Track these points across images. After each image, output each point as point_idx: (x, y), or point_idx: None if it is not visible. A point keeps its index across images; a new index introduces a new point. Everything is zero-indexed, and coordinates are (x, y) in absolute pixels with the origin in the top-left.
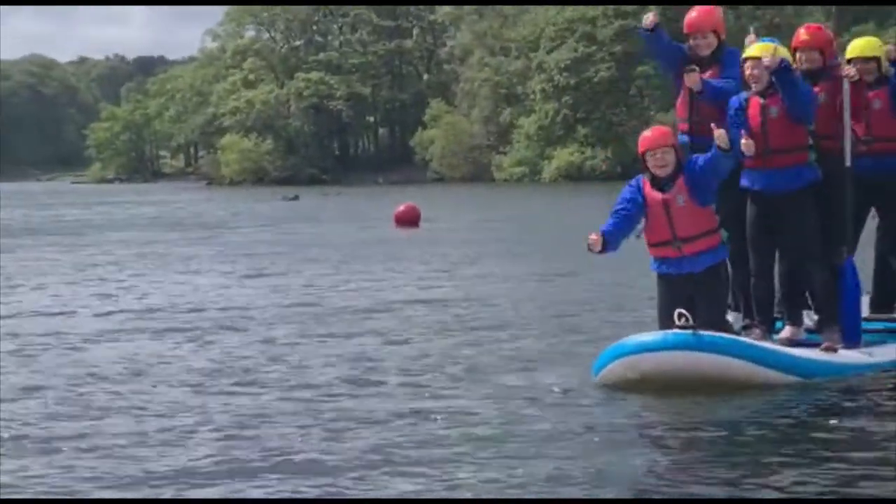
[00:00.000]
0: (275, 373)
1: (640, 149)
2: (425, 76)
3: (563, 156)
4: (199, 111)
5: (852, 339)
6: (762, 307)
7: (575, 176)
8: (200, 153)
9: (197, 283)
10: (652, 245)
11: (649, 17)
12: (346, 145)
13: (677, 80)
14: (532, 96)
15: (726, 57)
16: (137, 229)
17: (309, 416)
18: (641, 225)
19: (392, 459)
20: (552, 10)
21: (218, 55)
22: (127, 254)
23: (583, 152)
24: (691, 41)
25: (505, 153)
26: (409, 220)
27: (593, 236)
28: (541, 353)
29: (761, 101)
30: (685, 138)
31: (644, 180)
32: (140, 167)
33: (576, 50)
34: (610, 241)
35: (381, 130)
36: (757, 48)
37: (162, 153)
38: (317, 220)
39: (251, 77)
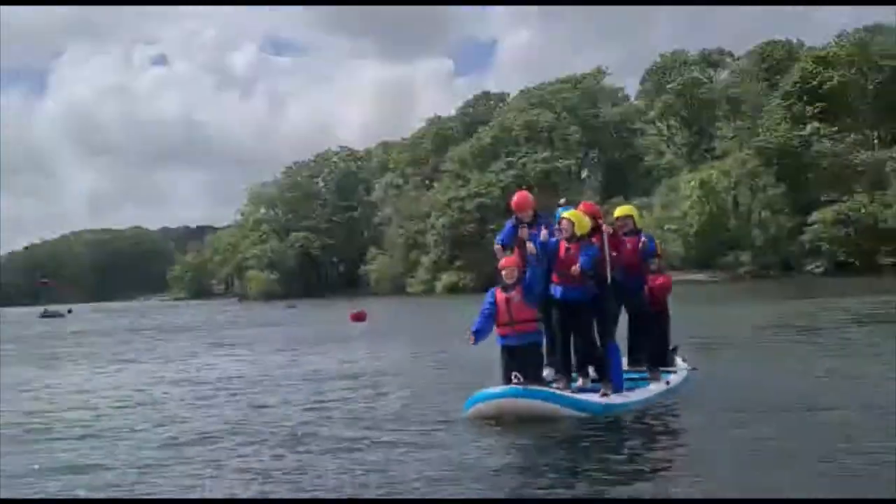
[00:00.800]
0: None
1: (499, 266)
2: (365, 233)
3: (447, 278)
4: (234, 257)
5: (619, 388)
6: (563, 369)
7: (456, 290)
8: (235, 281)
9: (251, 357)
10: (498, 325)
11: (469, 339)
12: (320, 275)
13: (509, 236)
14: (428, 244)
15: (540, 219)
16: (205, 328)
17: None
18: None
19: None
20: (440, 192)
21: (244, 223)
22: (203, 342)
23: (459, 276)
24: (518, 214)
25: (413, 277)
26: (360, 317)
27: (468, 335)
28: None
29: (566, 244)
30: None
31: (497, 289)
32: (200, 291)
33: (452, 218)
34: (479, 335)
35: (340, 266)
36: (566, 214)
37: (213, 282)
38: (307, 319)
39: (263, 236)
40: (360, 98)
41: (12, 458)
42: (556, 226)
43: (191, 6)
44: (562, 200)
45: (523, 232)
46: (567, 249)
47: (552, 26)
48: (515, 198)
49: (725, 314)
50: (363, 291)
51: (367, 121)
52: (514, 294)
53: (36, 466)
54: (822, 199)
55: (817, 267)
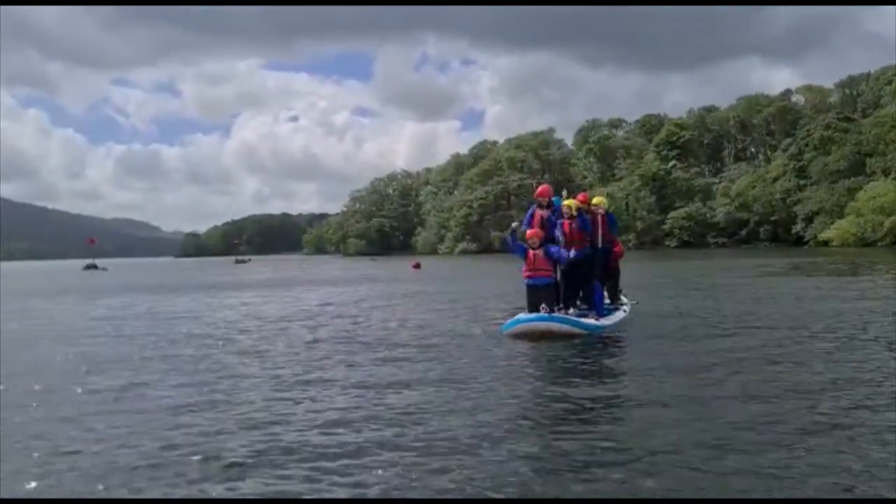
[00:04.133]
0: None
1: (527, 235)
2: (415, 220)
3: (462, 245)
4: (340, 231)
5: (600, 314)
6: (567, 302)
7: (466, 252)
8: (341, 245)
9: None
10: (526, 270)
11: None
12: (389, 242)
13: (530, 218)
14: (450, 226)
15: (553, 205)
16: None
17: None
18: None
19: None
20: (458, 196)
21: (346, 212)
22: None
23: (468, 245)
24: (538, 199)
25: (441, 244)
26: (417, 266)
27: (508, 234)
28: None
29: (569, 222)
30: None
31: (527, 248)
32: (319, 250)
33: (464, 211)
34: (512, 244)
35: (400, 237)
36: (566, 202)
37: (328, 245)
38: (384, 266)
39: (357, 219)
40: (405, 142)
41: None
42: (562, 210)
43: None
44: (563, 192)
45: (543, 213)
46: (570, 225)
47: (517, 101)
48: (539, 189)
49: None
50: (413, 252)
51: (411, 155)
52: (538, 252)
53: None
54: (676, 205)
55: (672, 244)
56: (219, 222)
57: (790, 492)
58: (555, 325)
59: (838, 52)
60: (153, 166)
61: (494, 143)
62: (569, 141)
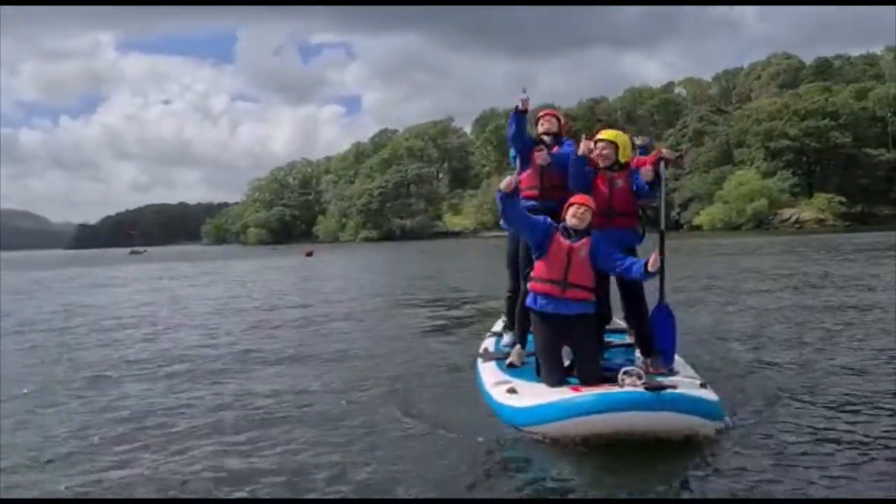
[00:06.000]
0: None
1: (570, 201)
2: (316, 208)
3: (363, 233)
4: (240, 220)
5: (670, 361)
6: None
7: (368, 239)
8: (241, 235)
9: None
10: (537, 280)
11: (505, 184)
12: (290, 231)
13: (525, 163)
14: (352, 214)
15: (564, 142)
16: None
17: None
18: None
19: None
20: (358, 185)
21: (246, 201)
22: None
23: (369, 232)
24: (543, 121)
25: (343, 232)
26: (310, 253)
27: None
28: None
29: (608, 174)
30: (534, 203)
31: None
32: (219, 240)
33: (365, 199)
34: (516, 197)
35: (302, 226)
36: (607, 133)
37: (228, 234)
38: (282, 254)
39: (258, 208)
40: (284, 127)
41: None
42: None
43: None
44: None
45: (541, 156)
46: (611, 181)
47: (391, 86)
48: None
49: None
50: (315, 240)
51: (293, 141)
52: (581, 245)
53: None
54: None
55: None
56: (111, 212)
57: None
58: (669, 418)
59: (691, 40)
60: (8, 151)
61: (395, 131)
62: (468, 129)
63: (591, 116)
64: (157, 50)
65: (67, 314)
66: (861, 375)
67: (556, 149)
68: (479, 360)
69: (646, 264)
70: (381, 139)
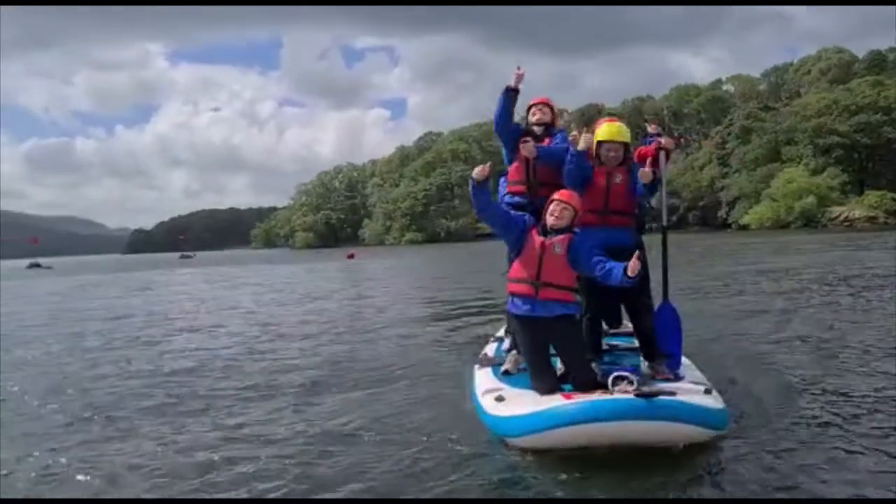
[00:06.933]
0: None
1: (551, 197)
2: (362, 211)
3: (408, 235)
4: (289, 224)
5: (677, 366)
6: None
7: (413, 242)
8: (290, 239)
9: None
10: (512, 280)
11: (478, 171)
12: (336, 235)
13: (511, 153)
14: (397, 217)
15: (556, 133)
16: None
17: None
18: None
19: None
20: (403, 188)
21: (294, 206)
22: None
23: (414, 235)
24: (534, 110)
25: (388, 235)
26: (351, 256)
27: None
28: None
29: (607, 170)
30: (521, 199)
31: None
32: (268, 243)
33: (410, 202)
34: (486, 187)
35: (348, 229)
36: (610, 131)
37: (277, 238)
38: (327, 257)
39: (305, 212)
40: (330, 131)
41: None
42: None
43: None
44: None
45: (527, 148)
46: (609, 176)
47: (433, 88)
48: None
49: None
50: (360, 244)
51: (338, 145)
52: (557, 242)
53: None
54: None
55: None
56: (165, 217)
57: None
58: (661, 427)
59: (739, 36)
60: (64, 160)
61: (439, 134)
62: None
63: (637, 115)
64: (205, 59)
65: (85, 316)
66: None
67: (547, 141)
68: (476, 366)
69: (625, 269)
70: (426, 142)
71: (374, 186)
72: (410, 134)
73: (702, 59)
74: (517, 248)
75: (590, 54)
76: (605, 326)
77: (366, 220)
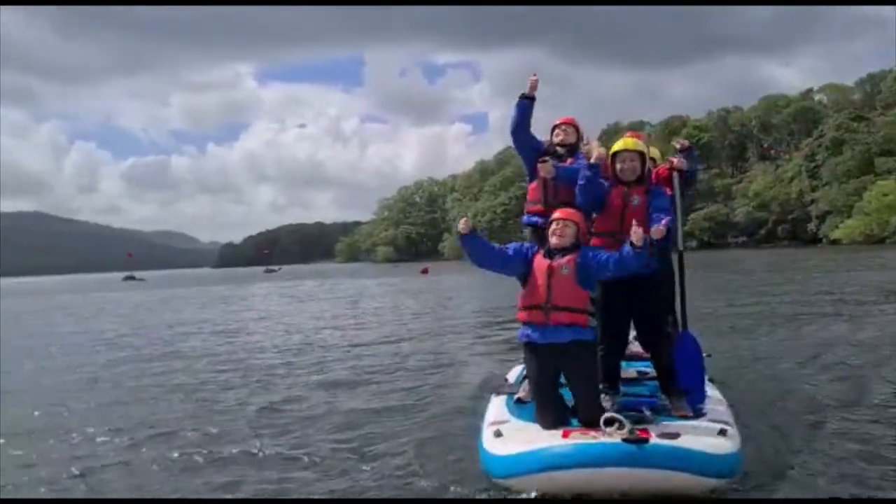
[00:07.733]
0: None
1: (552, 216)
2: (441, 225)
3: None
4: (371, 238)
5: (701, 401)
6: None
7: None
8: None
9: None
10: (521, 309)
11: (462, 225)
12: (417, 249)
13: (532, 172)
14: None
15: (580, 156)
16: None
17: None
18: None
19: None
20: (482, 202)
21: (375, 220)
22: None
23: None
24: (558, 131)
25: None
26: (425, 271)
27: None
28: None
29: (625, 189)
30: (538, 219)
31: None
32: (352, 258)
33: (489, 216)
34: (476, 237)
35: (428, 243)
36: (626, 141)
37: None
38: (403, 271)
39: (386, 227)
40: (412, 147)
41: None
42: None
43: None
44: (585, 138)
45: (545, 168)
46: (625, 196)
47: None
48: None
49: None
50: (440, 258)
51: (420, 161)
52: (564, 262)
53: None
54: (697, 206)
55: (693, 245)
56: (253, 232)
57: None
58: (648, 476)
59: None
60: (160, 178)
61: None
62: None
63: (723, 127)
64: (292, 78)
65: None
66: None
67: (570, 161)
68: (493, 394)
69: (631, 242)
70: (505, 156)
71: (454, 201)
72: (491, 148)
73: (793, 70)
74: (525, 278)
75: (670, 65)
76: (634, 349)
77: (445, 235)
